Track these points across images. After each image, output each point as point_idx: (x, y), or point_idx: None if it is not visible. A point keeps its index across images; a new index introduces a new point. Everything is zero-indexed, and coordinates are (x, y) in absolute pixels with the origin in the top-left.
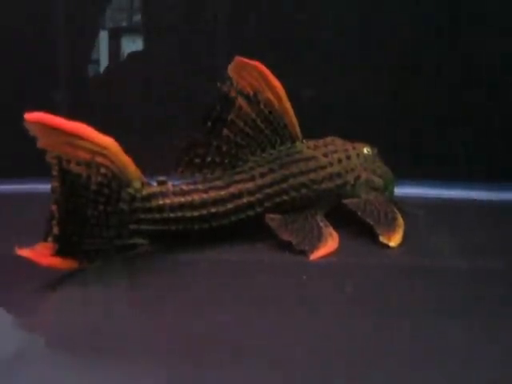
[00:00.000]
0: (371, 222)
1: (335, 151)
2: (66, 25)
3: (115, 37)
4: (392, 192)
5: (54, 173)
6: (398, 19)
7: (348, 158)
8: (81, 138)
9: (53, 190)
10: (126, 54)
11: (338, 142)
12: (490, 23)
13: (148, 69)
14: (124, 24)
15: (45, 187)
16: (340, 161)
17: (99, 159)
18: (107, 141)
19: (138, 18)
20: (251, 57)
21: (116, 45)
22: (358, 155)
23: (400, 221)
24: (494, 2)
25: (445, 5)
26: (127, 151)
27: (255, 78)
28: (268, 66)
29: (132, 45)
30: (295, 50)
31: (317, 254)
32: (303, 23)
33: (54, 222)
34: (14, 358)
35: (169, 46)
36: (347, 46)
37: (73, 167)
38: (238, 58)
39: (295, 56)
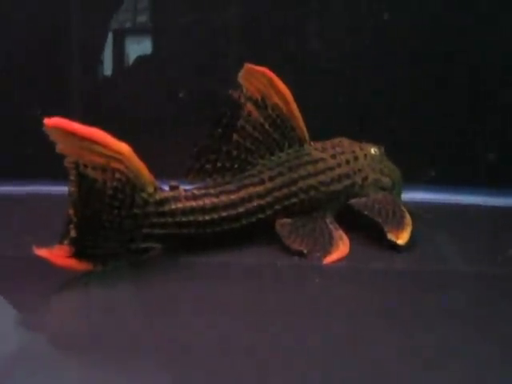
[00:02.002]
0: (379, 220)
1: (343, 152)
2: (76, 27)
3: (119, 38)
4: (400, 190)
5: (72, 177)
6: (406, 21)
7: (355, 158)
8: (97, 143)
9: (70, 193)
10: (130, 56)
11: (346, 142)
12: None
13: (152, 70)
14: (128, 25)
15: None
16: (348, 162)
17: (114, 164)
18: (122, 146)
19: (142, 18)
20: (255, 57)
21: (120, 46)
22: (365, 156)
23: (408, 219)
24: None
25: (454, 4)
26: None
27: (263, 83)
28: (276, 69)
29: (136, 46)
30: (304, 54)
31: (329, 259)
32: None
33: (71, 226)
34: (20, 356)
35: (174, 47)
36: (355, 49)
37: (89, 172)
38: (247, 65)
39: (304, 59)
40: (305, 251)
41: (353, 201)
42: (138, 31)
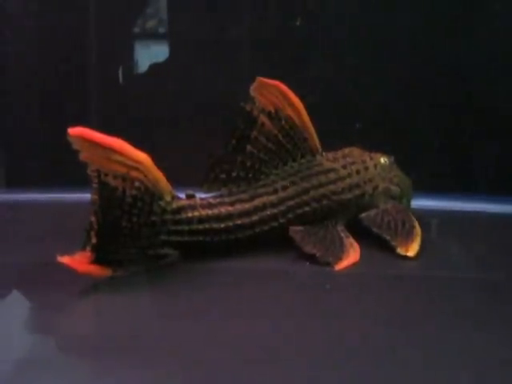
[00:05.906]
0: (387, 238)
1: (353, 163)
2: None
3: (134, 44)
4: (410, 199)
5: (94, 185)
6: (413, 30)
7: (366, 168)
8: (117, 152)
9: (92, 201)
10: (145, 62)
11: (356, 152)
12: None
13: (160, 76)
14: (137, 30)
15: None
16: (358, 172)
17: (134, 173)
18: (141, 156)
19: (151, 23)
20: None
21: (129, 51)
22: (375, 165)
23: (418, 229)
24: None
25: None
26: None
27: (276, 96)
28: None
29: (145, 51)
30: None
31: (341, 265)
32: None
33: (93, 233)
34: (37, 359)
35: (183, 52)
36: (364, 59)
37: (110, 180)
38: (260, 79)
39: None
40: (317, 254)
41: (362, 215)
42: (147, 36)
